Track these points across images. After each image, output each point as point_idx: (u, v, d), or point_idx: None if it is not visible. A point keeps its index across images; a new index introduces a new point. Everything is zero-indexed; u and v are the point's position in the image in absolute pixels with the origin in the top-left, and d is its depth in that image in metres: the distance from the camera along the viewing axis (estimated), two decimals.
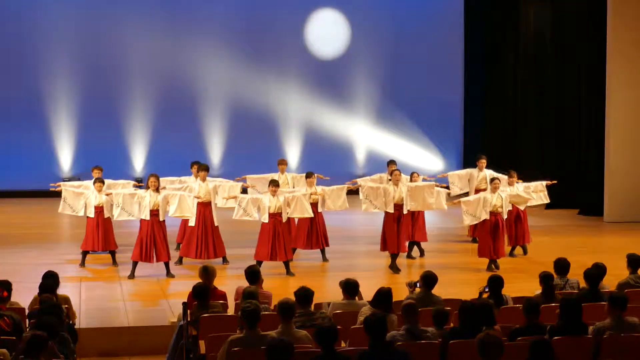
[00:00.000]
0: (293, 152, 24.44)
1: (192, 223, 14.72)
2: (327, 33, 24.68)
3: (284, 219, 14.29)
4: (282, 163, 16.60)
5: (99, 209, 14.63)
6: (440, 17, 25.06)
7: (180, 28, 23.92)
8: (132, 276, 13.83)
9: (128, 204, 14.08)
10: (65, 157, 23.62)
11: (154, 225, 13.89)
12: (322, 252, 15.40)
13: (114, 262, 14.74)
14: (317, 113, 24.70)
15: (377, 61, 24.85)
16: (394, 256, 14.51)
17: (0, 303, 8.77)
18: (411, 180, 15.37)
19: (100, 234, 14.61)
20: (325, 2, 24.74)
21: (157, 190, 14.00)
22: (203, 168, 15.12)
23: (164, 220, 14.04)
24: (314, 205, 15.03)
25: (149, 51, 23.79)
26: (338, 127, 24.81)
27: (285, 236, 14.27)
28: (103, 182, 14.87)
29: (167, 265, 14.08)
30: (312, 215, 14.77)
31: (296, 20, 24.56)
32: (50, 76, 23.50)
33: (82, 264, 14.64)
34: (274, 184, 14.31)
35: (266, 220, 14.17)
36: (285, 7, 24.44)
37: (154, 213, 13.91)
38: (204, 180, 14.96)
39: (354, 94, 24.91)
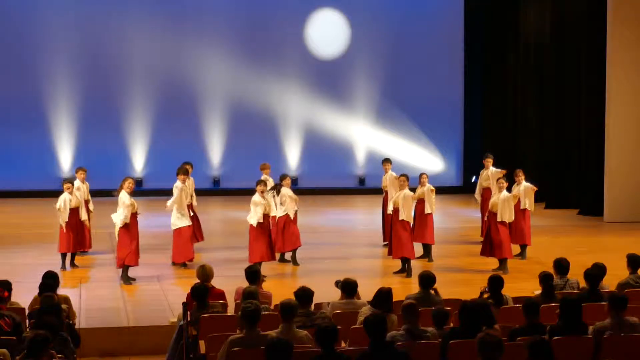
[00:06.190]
0: (293, 152, 24.44)
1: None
2: (327, 33, 24.68)
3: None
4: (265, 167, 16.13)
5: (75, 210, 14.57)
6: (440, 17, 25.05)
7: (181, 28, 23.91)
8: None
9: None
10: (65, 157, 23.60)
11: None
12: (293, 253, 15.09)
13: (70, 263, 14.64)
14: (317, 113, 24.68)
15: (377, 61, 24.83)
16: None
17: (0, 303, 8.77)
18: (419, 181, 15.21)
19: (75, 234, 14.57)
20: (325, 2, 24.73)
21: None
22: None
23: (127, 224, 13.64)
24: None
25: (149, 51, 23.78)
26: (338, 127, 24.79)
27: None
28: (73, 184, 14.84)
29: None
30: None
31: (296, 20, 24.56)
32: (50, 76, 23.50)
33: (72, 263, 14.59)
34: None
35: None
36: (285, 7, 24.44)
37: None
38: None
39: (354, 94, 24.90)
